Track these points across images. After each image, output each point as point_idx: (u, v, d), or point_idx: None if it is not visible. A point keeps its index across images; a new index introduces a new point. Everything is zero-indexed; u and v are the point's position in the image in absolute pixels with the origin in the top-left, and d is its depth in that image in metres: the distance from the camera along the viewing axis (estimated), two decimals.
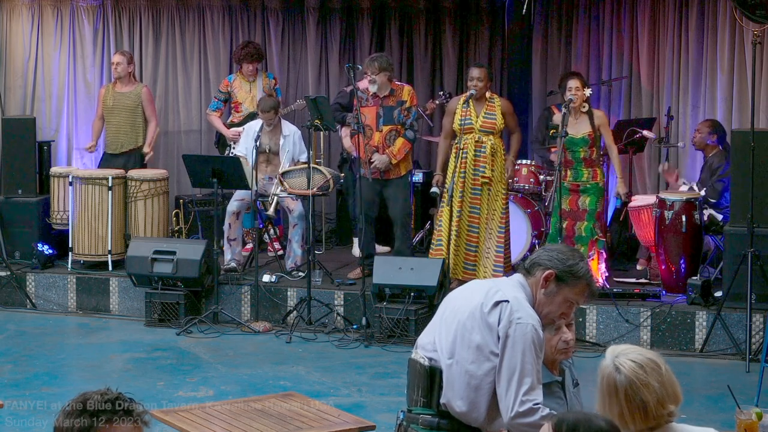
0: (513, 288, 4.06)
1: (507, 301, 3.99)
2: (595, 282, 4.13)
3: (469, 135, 9.03)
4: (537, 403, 3.92)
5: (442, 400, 4.10)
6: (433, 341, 4.15)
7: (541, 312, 4.03)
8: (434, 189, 9.31)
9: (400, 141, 9.46)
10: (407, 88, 9.61)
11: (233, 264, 9.77)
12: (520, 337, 3.93)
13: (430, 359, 4.13)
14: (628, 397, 3.15)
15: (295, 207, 9.77)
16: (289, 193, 9.66)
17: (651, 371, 3.17)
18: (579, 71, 10.46)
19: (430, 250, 9.30)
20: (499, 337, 3.97)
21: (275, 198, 9.83)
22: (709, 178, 9.47)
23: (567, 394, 4.22)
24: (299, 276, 9.66)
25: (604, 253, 9.12)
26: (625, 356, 3.23)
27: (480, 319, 4.01)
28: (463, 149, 9.02)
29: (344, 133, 10.32)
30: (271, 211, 9.91)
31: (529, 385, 3.92)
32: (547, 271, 4.03)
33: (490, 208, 9.05)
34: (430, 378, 4.11)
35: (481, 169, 9.00)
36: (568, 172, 8.95)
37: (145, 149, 10.62)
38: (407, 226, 9.72)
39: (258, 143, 9.80)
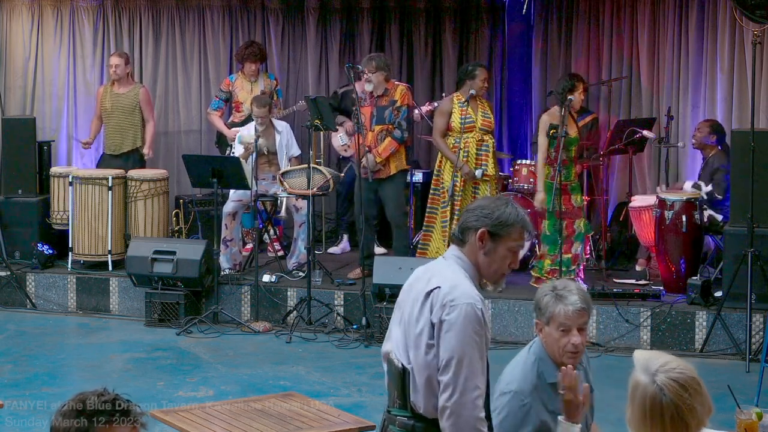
0: (446, 268, 3.95)
1: (438, 287, 3.87)
2: (528, 219, 3.99)
3: (470, 134, 9.10)
4: (478, 395, 3.81)
5: (411, 401, 3.97)
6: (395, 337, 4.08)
7: (489, 271, 3.94)
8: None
9: (386, 140, 9.45)
10: (401, 87, 9.60)
11: (228, 271, 9.76)
12: (454, 321, 3.81)
13: (399, 359, 4.01)
14: (673, 421, 3.06)
15: (303, 205, 9.77)
16: (289, 194, 9.66)
17: (695, 393, 3.04)
18: (579, 71, 10.46)
19: (418, 250, 9.43)
20: (433, 325, 3.87)
21: (284, 200, 9.88)
22: (708, 177, 9.46)
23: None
24: (299, 276, 9.66)
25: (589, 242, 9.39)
26: (664, 374, 3.05)
27: (419, 311, 3.91)
28: (464, 148, 9.06)
29: (334, 134, 10.44)
30: (282, 212, 9.97)
31: (468, 370, 3.79)
32: (479, 231, 3.91)
33: None
34: (402, 379, 3.97)
35: (483, 167, 9.12)
36: (561, 172, 8.94)
37: (146, 151, 10.62)
38: (402, 226, 9.71)
39: (257, 143, 9.80)
